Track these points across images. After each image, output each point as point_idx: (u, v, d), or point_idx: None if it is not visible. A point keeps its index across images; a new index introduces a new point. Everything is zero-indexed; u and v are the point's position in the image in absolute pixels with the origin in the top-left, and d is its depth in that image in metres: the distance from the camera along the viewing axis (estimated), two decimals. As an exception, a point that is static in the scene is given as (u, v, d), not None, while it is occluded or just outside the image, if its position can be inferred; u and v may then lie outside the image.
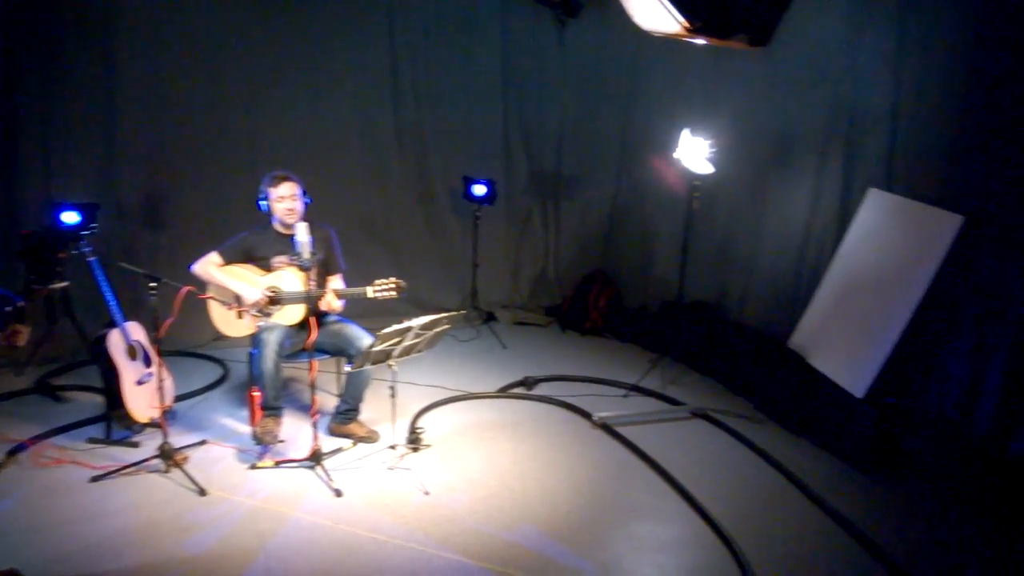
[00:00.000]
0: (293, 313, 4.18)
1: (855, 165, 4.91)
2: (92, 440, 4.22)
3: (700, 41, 2.99)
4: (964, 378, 4.00)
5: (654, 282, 6.65)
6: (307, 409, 4.06)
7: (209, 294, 4.20)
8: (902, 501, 4.03)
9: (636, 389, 5.27)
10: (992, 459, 3.89)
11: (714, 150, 5.01)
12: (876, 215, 4.72)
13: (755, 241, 5.71)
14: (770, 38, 2.97)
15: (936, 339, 4.19)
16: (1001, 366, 3.87)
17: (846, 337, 4.66)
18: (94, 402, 4.64)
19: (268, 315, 4.17)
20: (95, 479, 3.81)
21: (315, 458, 3.95)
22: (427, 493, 3.85)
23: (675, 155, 5.12)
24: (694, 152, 5.03)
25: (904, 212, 4.50)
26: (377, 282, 4.05)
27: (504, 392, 5.19)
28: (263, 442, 4.15)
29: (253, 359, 4.15)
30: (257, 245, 4.26)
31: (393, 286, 4.03)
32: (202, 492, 3.74)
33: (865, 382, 4.36)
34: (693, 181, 5.16)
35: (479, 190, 6.18)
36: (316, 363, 3.94)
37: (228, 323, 4.27)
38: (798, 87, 5.22)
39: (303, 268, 3.78)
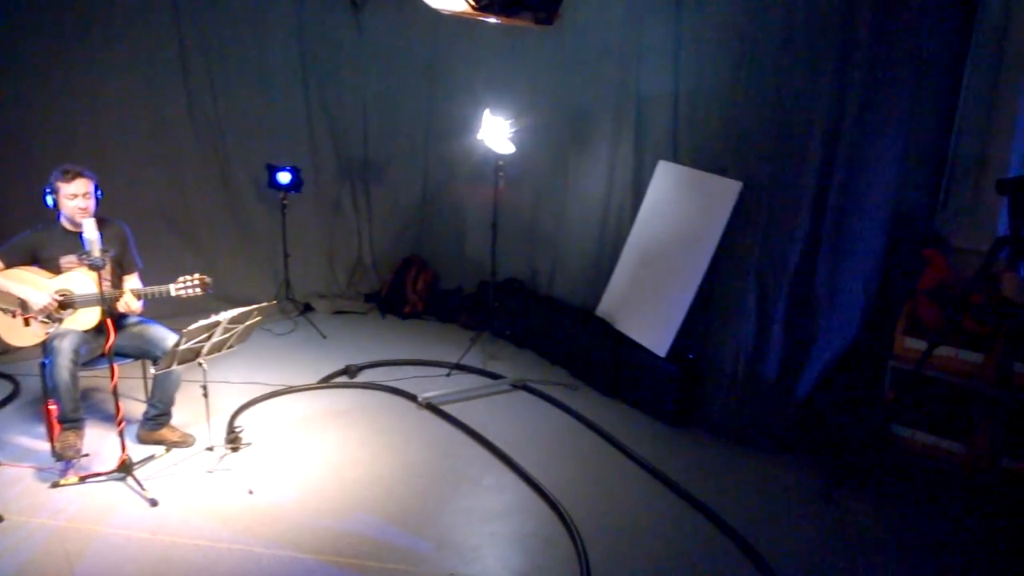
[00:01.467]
0: (87, 317, 3.88)
1: (645, 140, 5.24)
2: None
3: (491, 20, 3.07)
4: (752, 331, 4.41)
5: (469, 262, 6.78)
6: (112, 418, 3.79)
7: (-12, 302, 3.80)
8: (704, 449, 4.41)
9: (458, 367, 5.37)
10: (784, 404, 4.33)
11: (515, 130, 5.16)
12: (666, 185, 5.07)
13: (560, 217, 5.96)
14: (554, 17, 3.11)
15: (727, 296, 4.59)
16: (782, 317, 4.31)
17: (647, 301, 4.99)
18: None
19: (59, 321, 3.84)
20: None
21: (124, 469, 3.70)
22: (251, 492, 3.73)
23: (478, 136, 5.23)
24: (496, 132, 5.15)
25: (690, 181, 4.87)
26: (180, 279, 3.84)
27: (326, 382, 5.11)
28: (64, 458, 3.83)
29: (45, 370, 3.81)
30: (42, 245, 3.89)
31: (198, 282, 3.84)
32: (-3, 519, 3.40)
33: (667, 342, 4.71)
34: (497, 161, 5.29)
35: (284, 178, 5.99)
36: (117, 368, 3.68)
37: (14, 332, 3.87)
38: (589, 67, 5.48)
39: (94, 267, 3.50)
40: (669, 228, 4.97)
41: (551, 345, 5.66)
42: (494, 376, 5.27)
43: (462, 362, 5.41)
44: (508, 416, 4.73)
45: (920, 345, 3.75)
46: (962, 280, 3.86)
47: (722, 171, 4.65)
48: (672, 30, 4.90)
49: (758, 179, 4.41)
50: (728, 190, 4.53)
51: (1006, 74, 3.97)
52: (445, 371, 5.35)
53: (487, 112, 5.18)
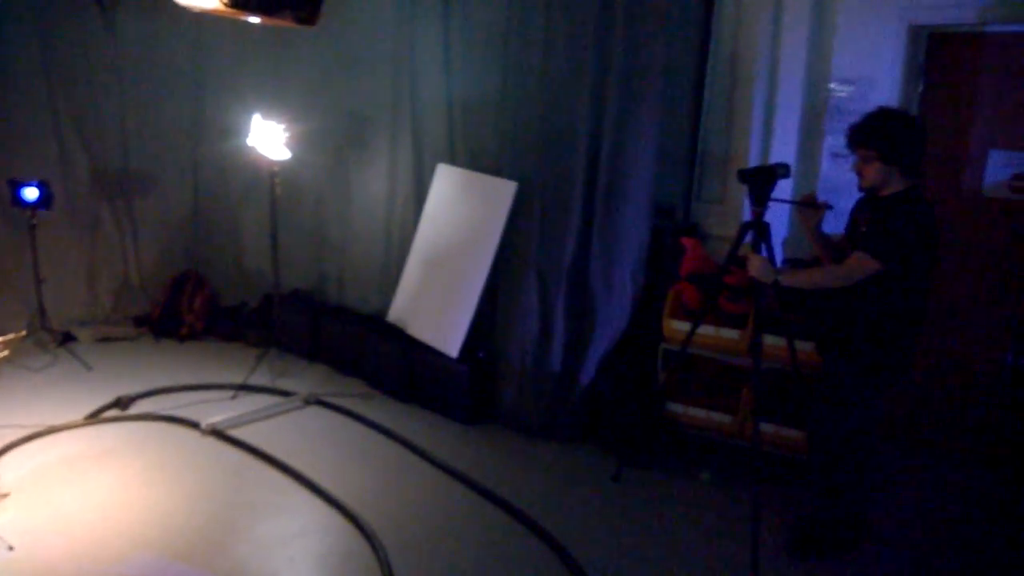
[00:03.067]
0: None
1: (424, 143, 5.30)
2: None
3: (253, 19, 2.95)
4: (536, 325, 4.59)
5: (251, 275, 6.48)
6: None
7: None
8: (499, 443, 4.53)
9: (245, 388, 5.12)
10: (569, 393, 4.54)
11: (289, 134, 5.01)
12: (446, 187, 5.15)
13: (344, 223, 5.86)
14: (316, 17, 3.05)
15: (511, 293, 4.73)
16: (562, 309, 4.52)
17: (436, 303, 5.04)
18: None
19: None
20: None
21: None
22: (11, 548, 3.32)
23: (248, 141, 5.00)
24: (269, 138, 4.96)
25: (469, 182, 4.98)
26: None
27: (95, 418, 4.67)
28: None
29: None
30: None
31: None
32: None
33: (457, 343, 4.78)
34: (272, 167, 5.10)
35: (31, 194, 5.39)
36: None
37: None
38: (364, 69, 5.44)
39: None
40: (452, 229, 5.04)
41: (344, 356, 5.54)
42: (284, 393, 5.08)
43: (248, 382, 5.16)
44: (301, 433, 4.57)
45: (685, 327, 4.08)
46: (716, 264, 4.26)
47: (498, 172, 4.80)
48: (442, 35, 4.99)
49: (532, 179, 4.59)
50: (505, 190, 4.68)
51: (740, 85, 4.49)
52: (230, 393, 5.07)
53: (257, 116, 4.96)
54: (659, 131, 4.30)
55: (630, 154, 4.28)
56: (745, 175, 3.47)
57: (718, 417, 4.26)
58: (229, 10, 2.79)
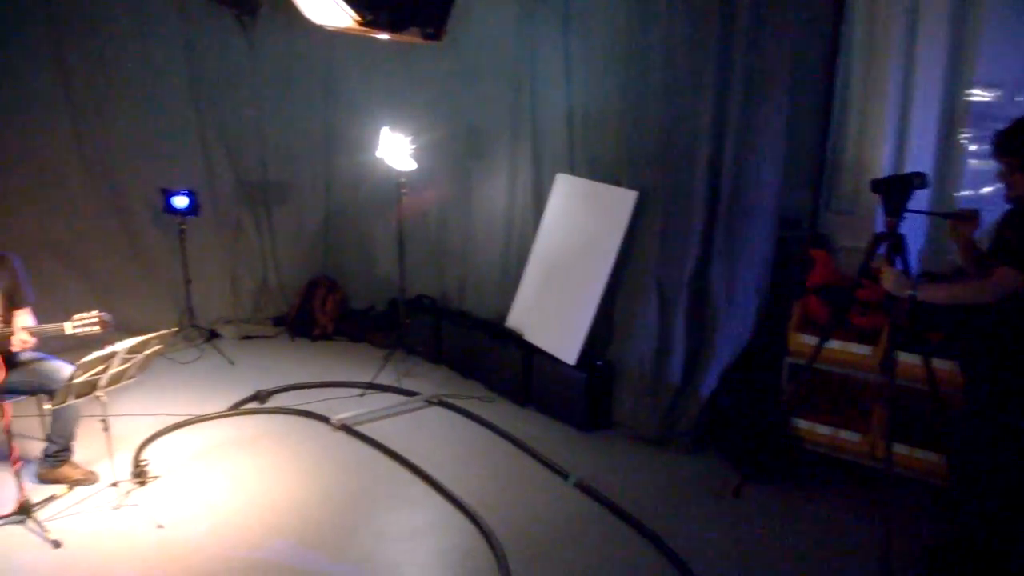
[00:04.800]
0: (-26, 355, 3.68)
1: (543, 153, 5.38)
2: None
3: (383, 36, 3.09)
4: (655, 335, 4.57)
5: (379, 280, 6.75)
6: (7, 458, 3.61)
7: None
8: (615, 451, 4.52)
9: (372, 387, 5.34)
10: (688, 404, 4.49)
11: (415, 146, 5.19)
12: (565, 197, 5.21)
13: (466, 232, 6.02)
14: (442, 33, 3.15)
15: (630, 303, 4.74)
16: (682, 319, 4.48)
17: (554, 311, 5.10)
18: None
19: (-58, 361, 3.64)
20: None
21: (24, 511, 3.54)
22: (161, 527, 3.61)
23: (377, 154, 5.23)
24: (396, 149, 5.16)
25: (588, 192, 5.02)
26: (77, 317, 3.68)
27: (236, 409, 4.99)
28: (-44, 505, 3.62)
29: (-71, 414, 3.60)
30: (-80, 281, 3.68)
31: (96, 320, 3.68)
32: None
33: (575, 350, 4.82)
34: (399, 178, 5.30)
35: (180, 202, 5.83)
36: (9, 406, 3.51)
37: None
38: (485, 83, 5.58)
39: (-20, 303, 3.34)
40: (571, 238, 5.09)
41: (465, 359, 5.69)
42: (408, 393, 5.27)
43: (375, 381, 5.38)
44: (424, 432, 4.73)
45: (812, 340, 3.96)
46: (847, 277, 4.11)
47: (618, 181, 4.82)
48: (562, 47, 5.05)
49: (653, 189, 4.59)
50: (625, 199, 4.69)
51: (872, 89, 4.29)
52: (358, 391, 5.31)
53: (385, 129, 5.19)
54: (785, 138, 4.19)
55: (754, 162, 4.20)
56: (879, 185, 3.35)
57: (846, 436, 4.10)
58: (361, 29, 2.94)
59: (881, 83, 4.26)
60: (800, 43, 4.17)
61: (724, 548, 3.55)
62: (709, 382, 4.43)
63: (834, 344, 3.99)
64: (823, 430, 4.17)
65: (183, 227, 5.92)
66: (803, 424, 4.22)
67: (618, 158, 4.85)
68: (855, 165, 4.45)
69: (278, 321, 6.78)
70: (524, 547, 3.51)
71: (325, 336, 6.54)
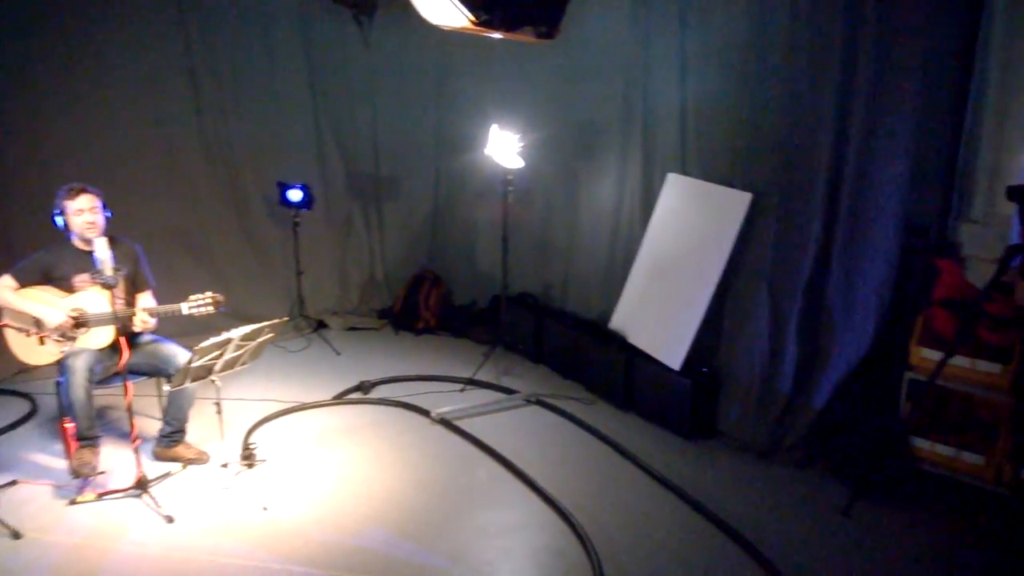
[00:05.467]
0: (101, 335, 3.90)
1: (654, 152, 5.25)
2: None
3: (495, 35, 3.08)
4: (766, 343, 4.39)
5: (482, 277, 6.79)
6: (127, 435, 3.82)
7: (5, 321, 3.83)
8: (720, 462, 4.38)
9: (472, 383, 5.37)
10: (799, 416, 4.30)
11: (523, 144, 5.19)
12: (676, 197, 5.08)
13: (571, 230, 5.97)
14: (556, 31, 3.12)
15: (739, 309, 4.58)
16: (795, 328, 4.29)
17: (660, 314, 4.98)
18: None
19: (73, 339, 3.87)
20: None
21: (141, 486, 3.72)
22: (266, 509, 3.73)
23: (486, 151, 5.25)
24: (504, 147, 5.17)
25: (700, 193, 4.88)
26: (192, 297, 3.86)
27: (340, 399, 5.12)
28: (81, 475, 3.85)
29: (61, 388, 3.84)
30: (55, 264, 3.93)
31: (210, 301, 3.86)
32: (16, 535, 3.43)
33: (680, 355, 4.69)
34: (506, 176, 5.31)
35: (295, 195, 6.03)
36: (132, 386, 3.70)
37: (30, 351, 3.91)
38: (596, 80, 5.51)
39: (107, 286, 3.54)
40: (680, 240, 4.96)
41: (565, 359, 5.64)
42: (508, 391, 5.26)
43: (475, 377, 5.40)
44: (522, 431, 4.71)
45: (936, 356, 3.72)
46: (976, 289, 3.84)
47: (731, 183, 4.66)
48: (677, 43, 4.92)
49: (768, 190, 4.41)
50: (738, 201, 4.53)
51: (1012, 89, 3.96)
52: (458, 386, 5.34)
53: (495, 127, 5.20)
54: (913, 140, 3.92)
55: (878, 165, 3.96)
56: (1016, 192, 3.11)
57: (969, 458, 3.82)
58: (476, 28, 2.94)
59: (1021, 81, 3.94)
60: (933, 36, 3.88)
61: (830, 568, 3.37)
62: (821, 394, 4.22)
63: (960, 361, 3.73)
64: (944, 451, 3.90)
65: (296, 220, 6.12)
66: (922, 443, 3.97)
67: (733, 158, 4.68)
68: (989, 170, 4.13)
69: (383, 314, 6.92)
70: (619, 553, 3.44)
71: (428, 330, 6.63)
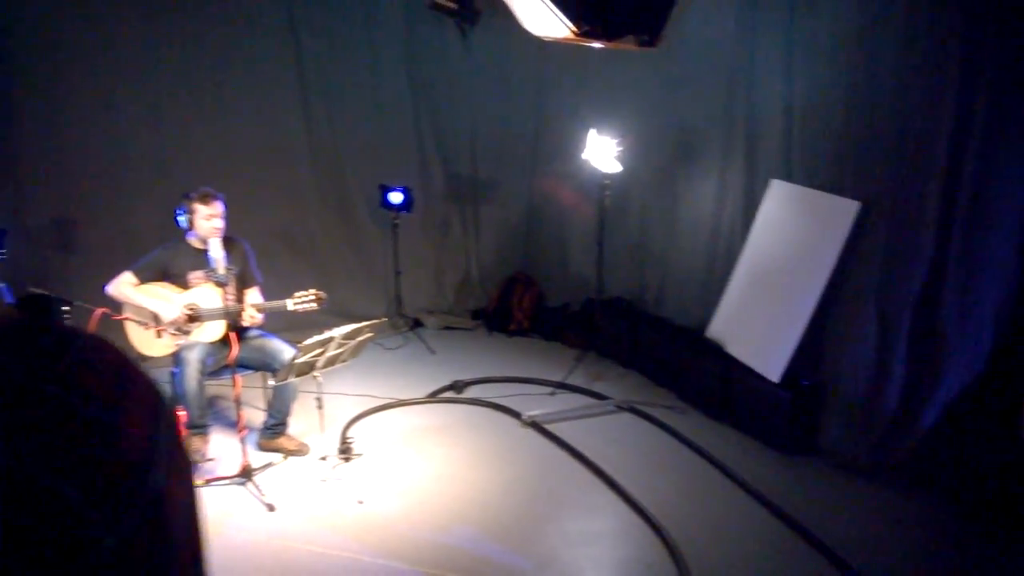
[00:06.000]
0: (213, 329, 4.11)
1: (756, 157, 5.12)
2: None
3: (596, 45, 3.08)
4: (872, 358, 4.21)
5: (575, 280, 6.78)
6: (235, 425, 4.00)
7: (125, 315, 4.08)
8: (818, 479, 4.23)
9: (563, 386, 5.37)
10: (905, 436, 4.11)
11: (621, 149, 5.15)
12: (779, 205, 4.93)
13: (668, 235, 5.88)
14: (658, 40, 3.08)
15: (844, 321, 4.41)
16: (904, 343, 4.10)
17: (759, 324, 4.85)
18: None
19: (187, 333, 4.09)
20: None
21: (245, 474, 3.90)
22: (361, 502, 3.84)
23: (583, 155, 5.24)
24: (602, 151, 5.15)
25: (805, 200, 4.72)
26: (297, 294, 4.02)
27: (434, 397, 5.21)
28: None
29: (175, 378, 4.06)
30: (172, 261, 4.16)
31: (313, 298, 4.01)
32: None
33: (780, 367, 4.55)
34: (603, 180, 5.28)
35: (396, 198, 6.17)
36: (240, 379, 3.88)
37: (147, 343, 4.15)
38: (696, 83, 5.41)
39: (219, 284, 3.73)
40: (783, 249, 4.82)
41: (658, 366, 5.57)
42: (599, 396, 5.24)
43: (567, 381, 5.40)
44: (612, 437, 4.68)
45: (1060, 376, 3.49)
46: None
47: (839, 190, 4.49)
48: (784, 41, 4.77)
49: (878, 197, 4.23)
50: (845, 210, 4.36)
51: None
52: (549, 390, 5.35)
53: (592, 132, 5.19)
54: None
55: (1001, 166, 3.71)
56: None
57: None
58: (576, 39, 2.94)
59: None
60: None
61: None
62: (931, 414, 4.01)
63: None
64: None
65: (396, 222, 6.27)
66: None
67: (840, 163, 4.50)
68: None
69: (476, 314, 7.00)
70: (709, 567, 3.37)
71: (520, 332, 6.67)
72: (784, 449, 4.48)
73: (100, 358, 0.90)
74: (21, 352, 0.81)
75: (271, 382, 4.18)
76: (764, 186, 5.05)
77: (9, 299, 4.09)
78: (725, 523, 3.77)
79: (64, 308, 3.63)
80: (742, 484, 4.09)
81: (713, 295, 5.38)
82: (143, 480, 0.84)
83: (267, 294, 4.39)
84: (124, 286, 4.09)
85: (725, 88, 5.21)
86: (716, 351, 5.08)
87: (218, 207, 4.09)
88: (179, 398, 4.05)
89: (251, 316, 4.09)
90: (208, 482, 3.96)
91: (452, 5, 5.65)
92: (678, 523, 3.69)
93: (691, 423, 4.88)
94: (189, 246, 4.20)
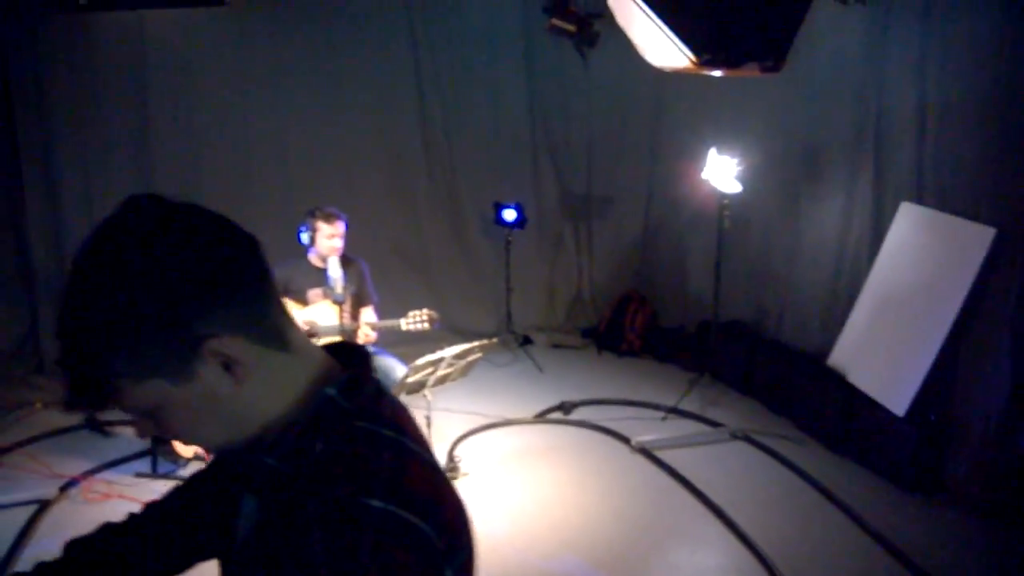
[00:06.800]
0: (329, 345, 4.25)
1: (886, 178, 4.85)
2: (139, 475, 4.34)
3: (716, 73, 2.99)
4: (1006, 392, 3.91)
5: (690, 301, 6.61)
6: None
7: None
8: (945, 521, 3.95)
9: (675, 411, 5.24)
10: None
11: (742, 168, 5.00)
12: (909, 229, 4.65)
13: (790, 258, 5.65)
14: (782, 64, 2.96)
15: (976, 353, 4.11)
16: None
17: (885, 354, 4.58)
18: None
19: (306, 348, 4.25)
20: (142, 514, 3.90)
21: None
22: (466, 522, 3.86)
23: (703, 175, 5.11)
24: (722, 171, 5.01)
25: (937, 226, 4.44)
26: (410, 314, 4.11)
27: (542, 417, 5.20)
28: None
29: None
30: (292, 278, 4.34)
31: (426, 318, 4.09)
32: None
33: (905, 400, 4.28)
34: (723, 200, 5.14)
35: (509, 215, 6.21)
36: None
37: (268, 357, 4.35)
38: (822, 101, 5.18)
39: (336, 302, 3.85)
40: (912, 275, 4.54)
41: (776, 393, 5.35)
42: (713, 423, 5.08)
43: (679, 406, 5.27)
44: (725, 467, 4.52)
45: None
46: None
47: (973, 213, 4.19)
48: (918, 55, 4.50)
49: (1014, 222, 3.91)
50: (980, 237, 4.07)
51: None
52: (661, 414, 5.23)
53: (713, 150, 5.06)
54: None
55: None
56: None
57: None
58: (696, 68, 2.88)
59: None
60: None
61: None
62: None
63: None
64: None
65: (509, 239, 6.31)
66: None
67: (975, 186, 4.20)
68: None
69: (587, 332, 6.94)
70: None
71: (632, 352, 6.56)
72: (908, 487, 4.21)
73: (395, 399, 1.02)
74: (359, 399, 0.93)
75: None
76: (893, 208, 4.77)
77: None
78: (840, 563, 3.59)
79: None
80: (861, 522, 3.87)
81: (836, 321, 5.13)
82: (467, 520, 0.96)
83: (381, 309, 4.51)
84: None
85: (852, 104, 4.97)
86: (838, 380, 4.83)
87: (340, 227, 4.24)
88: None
89: (366, 335, 4.21)
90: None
91: (571, 28, 5.65)
92: (790, 561, 3.52)
93: (809, 455, 4.65)
94: (309, 264, 4.36)
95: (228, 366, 0.87)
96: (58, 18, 5.27)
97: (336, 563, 0.77)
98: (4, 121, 5.47)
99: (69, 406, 0.89)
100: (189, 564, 1.22)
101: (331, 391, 0.93)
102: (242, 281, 0.89)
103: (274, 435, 0.92)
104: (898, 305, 4.60)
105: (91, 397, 0.86)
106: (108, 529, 1.26)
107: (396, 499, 0.83)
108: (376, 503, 0.82)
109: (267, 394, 0.91)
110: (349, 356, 1.01)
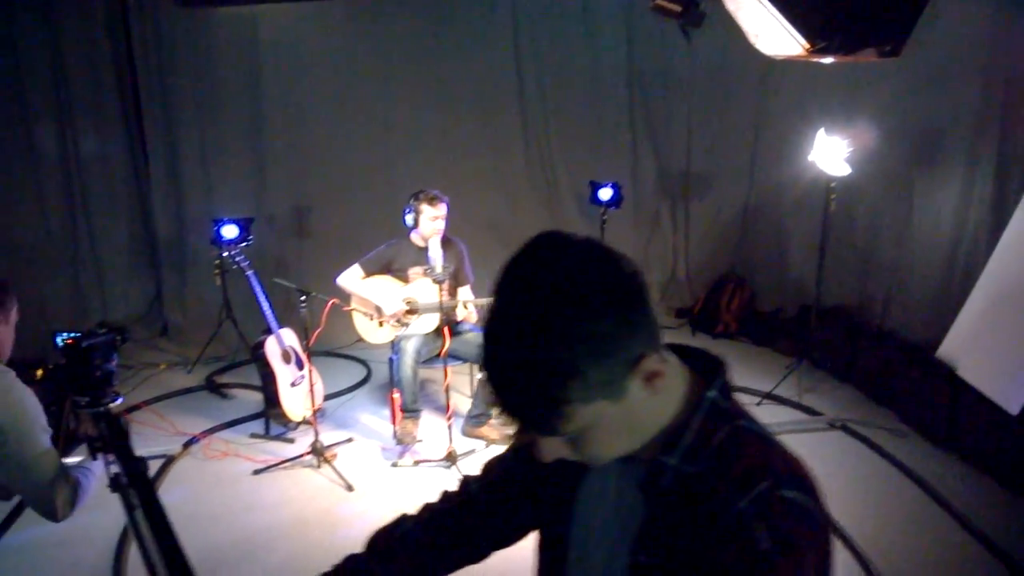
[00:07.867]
0: (428, 322, 4.39)
1: (1010, 163, 4.59)
2: (254, 435, 4.63)
3: (827, 60, 2.90)
4: None
5: (790, 284, 6.46)
6: (443, 410, 4.26)
7: (352, 306, 4.47)
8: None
9: (770, 397, 5.16)
10: None
11: (852, 150, 4.82)
12: (1035, 217, 4.40)
13: (900, 244, 5.43)
14: (902, 47, 2.83)
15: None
16: None
17: (1000, 349, 4.37)
18: (254, 399, 5.06)
19: (405, 324, 4.41)
20: (257, 472, 4.17)
21: (450, 459, 4.14)
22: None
23: (810, 157, 4.96)
24: (830, 153, 4.85)
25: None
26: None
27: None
28: (403, 442, 4.39)
29: (393, 364, 4.40)
30: (396, 257, 4.50)
31: None
32: (349, 488, 4.01)
33: (1020, 398, 4.09)
34: (830, 183, 4.98)
35: (605, 194, 6.18)
36: (450, 369, 4.13)
37: (370, 331, 4.54)
38: (943, 83, 4.91)
39: (436, 280, 3.97)
40: (1035, 268, 4.30)
41: (878, 382, 5.19)
42: (810, 411, 4.98)
43: (775, 392, 5.18)
44: (821, 458, 4.40)
45: None
46: None
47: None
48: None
49: None
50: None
51: None
52: (756, 400, 5.16)
53: (821, 131, 4.90)
54: None
55: None
56: None
57: None
58: (810, 56, 2.80)
59: None
60: None
61: None
62: None
63: None
64: None
65: (605, 218, 6.28)
66: None
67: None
68: None
69: (681, 313, 6.88)
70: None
71: (727, 334, 6.48)
72: (1017, 489, 4.03)
73: None
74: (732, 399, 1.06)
75: (479, 375, 4.39)
76: (1016, 197, 4.51)
77: (257, 286, 4.57)
78: (941, 564, 3.48)
79: (302, 298, 4.02)
80: (964, 522, 3.74)
81: (947, 312, 4.90)
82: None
83: (477, 289, 4.62)
84: (353, 279, 4.48)
85: (977, 87, 4.70)
86: (947, 373, 4.65)
87: (442, 209, 4.36)
88: (396, 382, 4.39)
89: (466, 311, 4.33)
90: (417, 463, 4.25)
91: (676, 8, 5.54)
92: (888, 559, 3.44)
93: (911, 449, 4.52)
94: (411, 244, 4.51)
95: (648, 379, 0.95)
96: (181, 19, 5.63)
97: (783, 552, 0.89)
98: (134, 114, 5.95)
99: (518, 437, 1.05)
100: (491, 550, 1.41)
101: (713, 394, 1.03)
102: (646, 299, 0.97)
103: (666, 437, 1.01)
104: (1017, 299, 4.38)
105: (541, 427, 0.97)
106: (405, 519, 1.44)
107: (801, 488, 0.95)
108: (790, 493, 0.93)
109: (665, 400, 1.02)
110: (680, 353, 1.09)
